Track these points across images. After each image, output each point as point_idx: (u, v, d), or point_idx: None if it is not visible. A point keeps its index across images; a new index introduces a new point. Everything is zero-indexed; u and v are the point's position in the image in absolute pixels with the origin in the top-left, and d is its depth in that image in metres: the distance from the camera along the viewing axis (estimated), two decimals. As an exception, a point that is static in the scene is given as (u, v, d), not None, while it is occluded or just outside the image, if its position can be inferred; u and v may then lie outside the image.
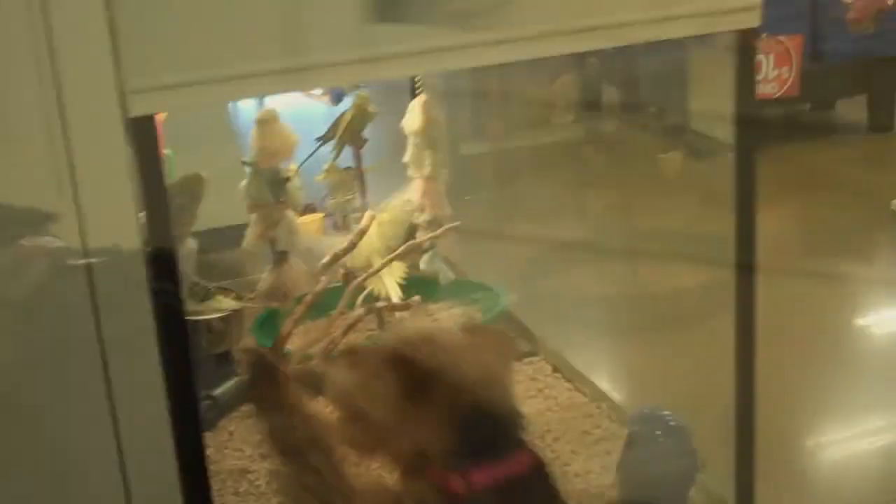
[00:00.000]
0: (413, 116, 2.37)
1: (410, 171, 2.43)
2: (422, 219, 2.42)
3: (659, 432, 2.03)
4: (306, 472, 1.48)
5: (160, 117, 2.50)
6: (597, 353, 2.57)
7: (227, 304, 1.91)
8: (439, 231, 2.34)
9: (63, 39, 1.43)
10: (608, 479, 2.12)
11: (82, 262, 1.51)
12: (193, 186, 1.86)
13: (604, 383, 2.51)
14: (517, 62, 1.68)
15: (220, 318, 1.94)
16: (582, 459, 2.24)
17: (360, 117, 2.47)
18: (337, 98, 2.51)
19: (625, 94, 5.28)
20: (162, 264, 1.57)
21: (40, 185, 1.48)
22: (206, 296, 1.93)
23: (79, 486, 1.59)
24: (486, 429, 1.42)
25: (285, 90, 1.63)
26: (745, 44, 1.76)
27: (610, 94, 5.32)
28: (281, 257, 2.13)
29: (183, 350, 1.61)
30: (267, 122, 2.01)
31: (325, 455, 1.48)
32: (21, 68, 1.43)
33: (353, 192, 2.54)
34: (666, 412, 2.07)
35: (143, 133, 1.52)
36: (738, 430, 1.95)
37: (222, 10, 1.51)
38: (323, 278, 2.05)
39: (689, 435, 2.04)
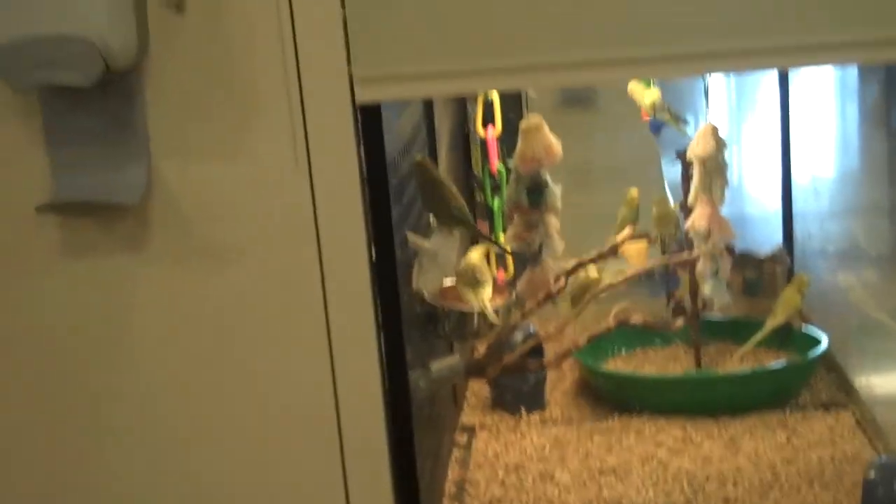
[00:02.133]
0: (703, 142, 2.39)
1: (692, 198, 2.45)
2: (709, 244, 2.43)
3: (897, 484, 1.91)
4: None
5: (494, 133, 2.71)
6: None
7: (478, 297, 2.06)
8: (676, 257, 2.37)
9: (303, 32, 1.68)
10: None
11: (312, 229, 1.75)
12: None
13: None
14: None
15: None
16: (840, 510, 2.15)
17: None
18: (656, 128, 2.57)
19: None
20: (383, 246, 1.77)
21: (280, 157, 1.72)
22: (475, 283, 2.08)
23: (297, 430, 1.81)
24: None
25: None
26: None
27: None
28: (535, 259, 2.25)
29: (397, 327, 1.79)
30: (530, 131, 2.15)
31: None
32: (268, 55, 1.69)
33: (676, 224, 2.58)
34: (911, 464, 1.95)
35: (370, 120, 1.73)
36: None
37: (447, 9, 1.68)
38: (561, 281, 2.15)
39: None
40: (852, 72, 2.66)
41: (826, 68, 2.73)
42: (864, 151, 2.84)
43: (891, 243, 2.70)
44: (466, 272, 2.11)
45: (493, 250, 2.65)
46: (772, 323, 2.69)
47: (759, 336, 2.68)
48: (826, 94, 2.97)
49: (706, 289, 2.51)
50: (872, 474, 1.94)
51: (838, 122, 2.98)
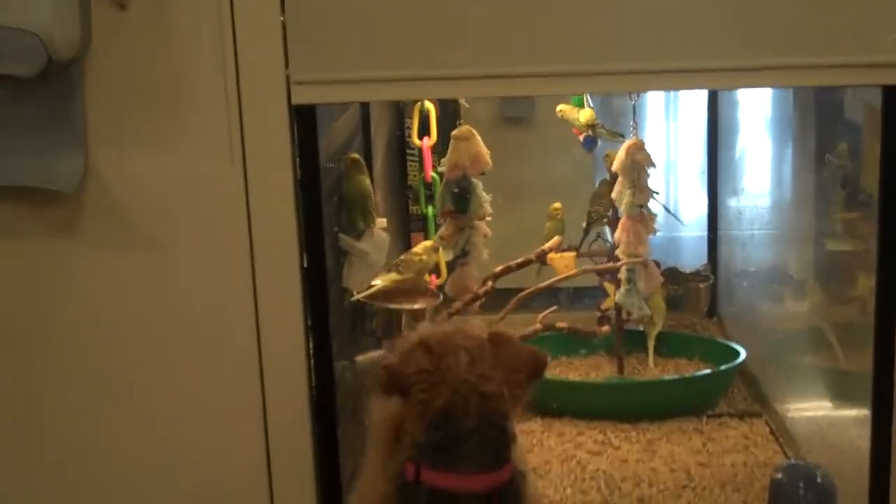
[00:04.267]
0: (620, 157, 2.50)
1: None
2: (617, 252, 2.52)
3: (802, 485, 2.00)
4: None
5: (429, 143, 2.78)
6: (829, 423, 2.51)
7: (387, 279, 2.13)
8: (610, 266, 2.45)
9: (243, 34, 1.74)
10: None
11: (245, 225, 1.80)
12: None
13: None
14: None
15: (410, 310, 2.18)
16: (749, 512, 2.25)
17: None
18: (590, 145, 2.66)
19: None
20: (313, 243, 1.83)
21: (216, 153, 1.78)
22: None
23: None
24: (453, 434, 1.45)
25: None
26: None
27: None
28: (460, 260, 2.32)
29: (324, 321, 1.85)
30: (460, 140, 2.23)
31: None
32: (208, 54, 1.75)
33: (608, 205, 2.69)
34: (817, 467, 2.04)
35: (305, 121, 1.79)
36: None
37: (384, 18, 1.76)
38: (488, 285, 2.23)
39: (834, 496, 1.99)
40: (789, 103, 2.77)
41: (765, 100, 2.84)
42: (795, 180, 2.95)
43: (810, 268, 2.80)
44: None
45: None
46: (653, 331, 2.85)
47: (651, 345, 2.86)
48: (761, 123, 3.07)
49: (618, 296, 2.60)
50: (779, 475, 2.02)
51: (772, 150, 3.09)
